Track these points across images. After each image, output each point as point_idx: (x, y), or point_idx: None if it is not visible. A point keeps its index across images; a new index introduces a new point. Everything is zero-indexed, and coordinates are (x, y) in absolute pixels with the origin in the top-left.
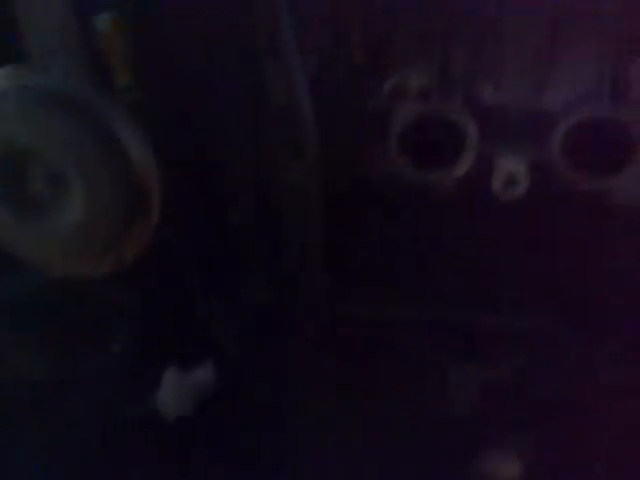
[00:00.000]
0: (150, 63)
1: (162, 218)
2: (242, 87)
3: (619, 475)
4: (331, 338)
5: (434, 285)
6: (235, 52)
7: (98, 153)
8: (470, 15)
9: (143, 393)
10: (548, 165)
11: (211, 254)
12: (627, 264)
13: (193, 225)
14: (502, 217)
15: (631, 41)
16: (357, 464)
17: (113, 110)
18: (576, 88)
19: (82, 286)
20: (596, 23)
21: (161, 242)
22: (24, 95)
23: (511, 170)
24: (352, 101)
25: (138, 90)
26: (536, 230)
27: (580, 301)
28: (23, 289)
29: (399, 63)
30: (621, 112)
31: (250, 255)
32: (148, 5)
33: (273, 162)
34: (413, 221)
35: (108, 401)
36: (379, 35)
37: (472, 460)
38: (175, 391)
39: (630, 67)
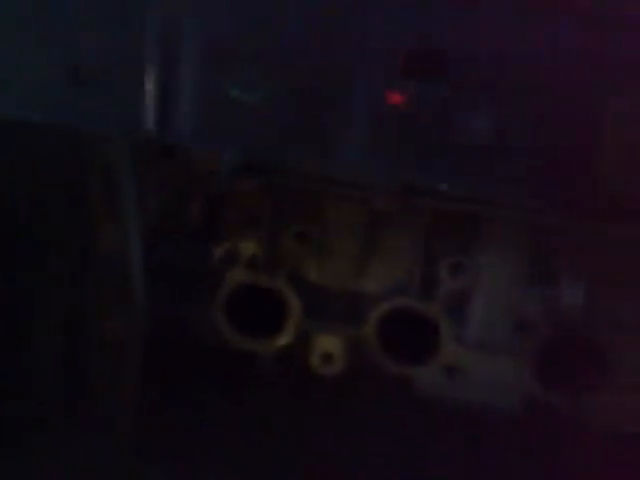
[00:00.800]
0: None
1: None
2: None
3: None
4: None
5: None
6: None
7: None
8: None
9: None
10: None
11: None
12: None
13: None
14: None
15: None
16: None
17: None
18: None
19: None
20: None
21: None
22: None
23: (328, 347)
24: (184, 262)
25: None
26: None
27: None
28: None
29: (232, 229)
30: (429, 307)
31: None
32: None
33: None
34: (230, 387)
35: None
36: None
37: None
38: None
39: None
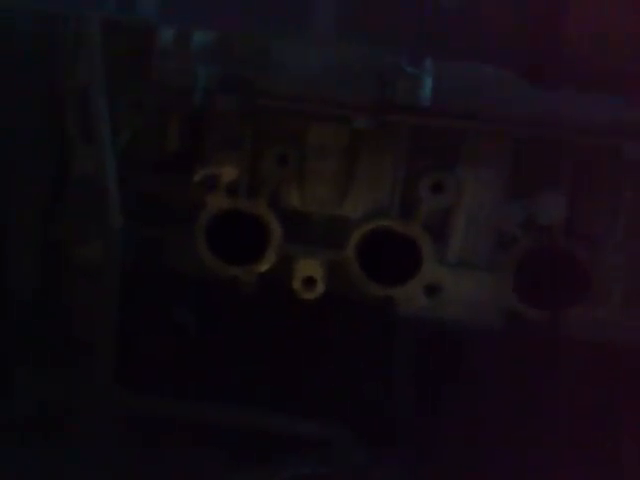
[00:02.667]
0: None
1: None
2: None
3: None
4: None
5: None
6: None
7: None
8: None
9: None
10: (344, 269)
11: None
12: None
13: None
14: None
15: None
16: None
17: None
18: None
19: None
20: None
21: None
22: None
23: (310, 271)
24: (162, 189)
25: None
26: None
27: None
28: None
29: (211, 153)
30: (410, 227)
31: None
32: None
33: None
34: (214, 316)
35: None
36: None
37: None
38: None
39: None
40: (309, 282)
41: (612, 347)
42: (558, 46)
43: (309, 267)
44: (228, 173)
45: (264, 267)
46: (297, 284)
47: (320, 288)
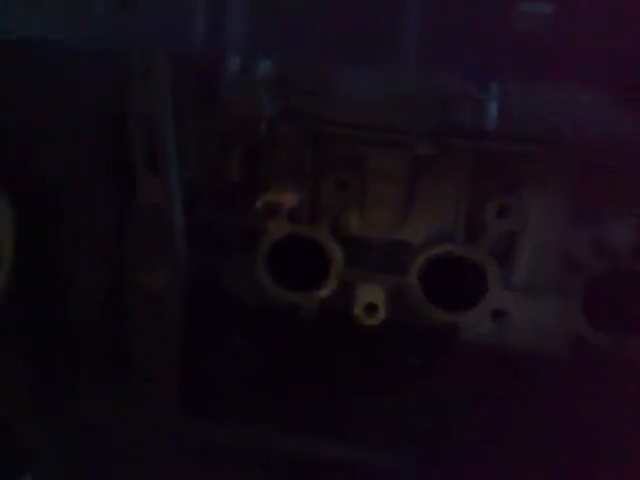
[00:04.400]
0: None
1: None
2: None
3: None
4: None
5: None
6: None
7: None
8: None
9: None
10: (406, 295)
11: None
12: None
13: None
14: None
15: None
16: None
17: None
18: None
19: None
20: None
21: None
22: None
23: (371, 297)
24: (225, 217)
25: None
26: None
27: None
28: None
29: (272, 180)
30: (475, 252)
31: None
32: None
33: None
34: (274, 342)
35: None
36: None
37: None
38: None
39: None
40: (371, 308)
41: None
42: None
43: (371, 293)
44: (289, 200)
45: (325, 293)
46: (359, 310)
47: (382, 314)
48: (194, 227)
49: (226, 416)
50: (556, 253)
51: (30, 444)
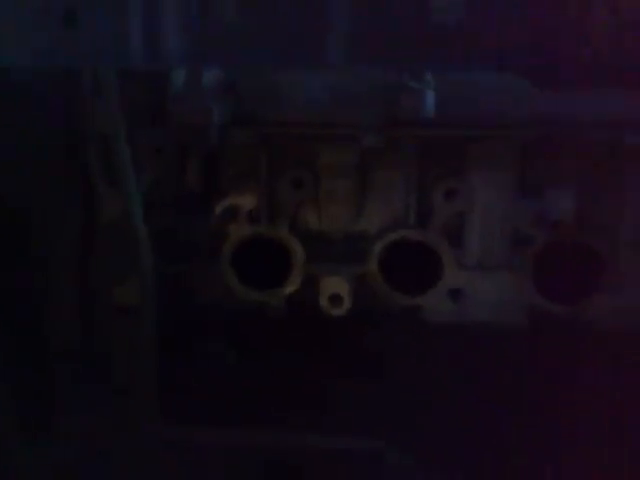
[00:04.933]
0: None
1: None
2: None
3: None
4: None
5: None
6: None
7: None
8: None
9: None
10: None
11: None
12: (445, 382)
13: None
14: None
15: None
16: None
17: None
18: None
19: None
20: None
21: None
22: None
23: (335, 288)
24: (185, 225)
25: None
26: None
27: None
28: None
29: (228, 185)
30: (427, 236)
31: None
32: None
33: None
34: (247, 342)
35: None
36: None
37: None
38: None
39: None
40: (336, 299)
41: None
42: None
43: (334, 284)
44: (248, 202)
45: (290, 289)
46: (324, 302)
47: (347, 304)
48: (159, 237)
49: (206, 419)
50: (504, 230)
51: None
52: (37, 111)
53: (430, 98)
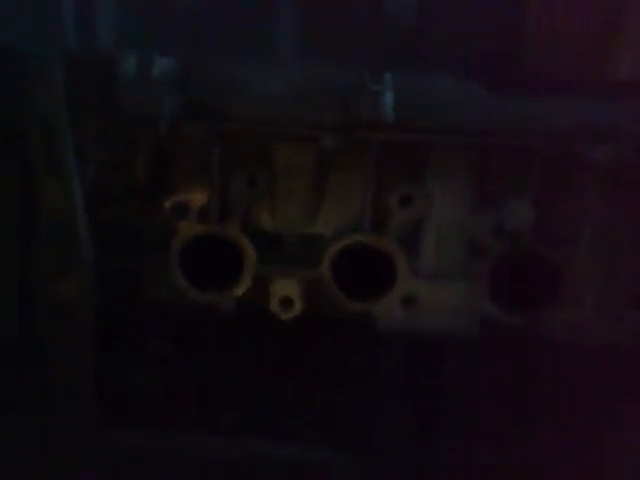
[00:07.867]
0: None
1: None
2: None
3: None
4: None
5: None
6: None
7: None
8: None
9: None
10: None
11: None
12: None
13: None
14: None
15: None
16: None
17: None
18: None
19: None
20: None
21: None
22: None
23: (287, 292)
24: (132, 219)
25: None
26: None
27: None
28: None
29: (179, 180)
30: (382, 242)
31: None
32: None
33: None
34: (194, 344)
35: None
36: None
37: None
38: None
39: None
40: (286, 302)
41: (586, 347)
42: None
43: (285, 287)
44: (198, 199)
45: (240, 291)
46: (274, 305)
47: (298, 308)
48: (104, 231)
49: (151, 422)
50: (461, 238)
51: None
52: None
53: (389, 100)
